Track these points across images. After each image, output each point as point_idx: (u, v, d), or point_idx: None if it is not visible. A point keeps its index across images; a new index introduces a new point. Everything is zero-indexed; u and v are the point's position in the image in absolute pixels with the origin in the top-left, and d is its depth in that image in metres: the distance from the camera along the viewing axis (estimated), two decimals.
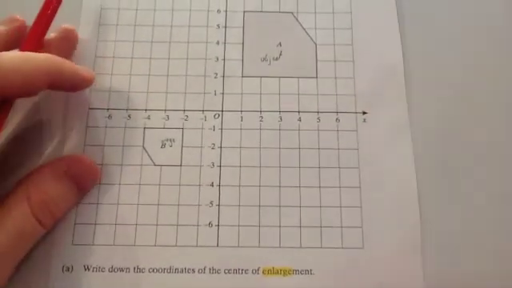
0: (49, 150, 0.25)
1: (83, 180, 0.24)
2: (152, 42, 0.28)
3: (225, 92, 0.27)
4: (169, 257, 0.24)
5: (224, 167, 0.25)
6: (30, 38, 0.23)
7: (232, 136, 0.26)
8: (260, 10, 0.29)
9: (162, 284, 0.23)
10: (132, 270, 0.23)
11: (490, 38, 0.28)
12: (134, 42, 0.28)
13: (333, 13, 0.29)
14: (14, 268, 0.21)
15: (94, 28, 0.28)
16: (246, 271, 0.24)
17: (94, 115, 0.26)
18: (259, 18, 0.29)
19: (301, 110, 0.26)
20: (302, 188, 0.25)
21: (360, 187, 0.25)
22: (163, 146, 0.26)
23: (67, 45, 0.26)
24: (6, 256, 0.21)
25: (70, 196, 0.23)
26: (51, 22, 0.24)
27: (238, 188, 0.25)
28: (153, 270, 0.23)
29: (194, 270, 0.23)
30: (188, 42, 0.28)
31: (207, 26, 0.28)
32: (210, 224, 0.24)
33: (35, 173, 0.23)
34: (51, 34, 0.25)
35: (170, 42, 0.28)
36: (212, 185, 0.25)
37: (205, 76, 0.27)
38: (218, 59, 0.28)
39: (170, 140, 0.26)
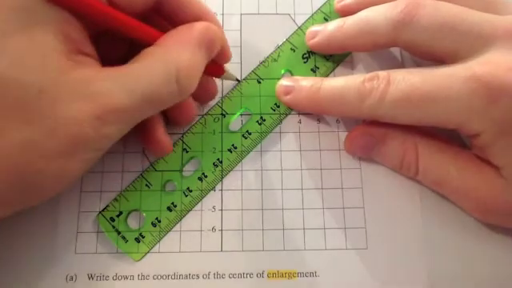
0: None
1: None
2: None
3: (224, 96, 0.27)
4: (173, 263, 0.24)
5: (226, 171, 0.25)
6: None
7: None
8: (257, 12, 0.29)
9: None
10: (136, 277, 0.23)
11: None
12: None
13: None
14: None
15: None
16: (251, 275, 0.23)
17: None
18: (256, 20, 0.29)
19: (301, 111, 0.26)
20: (304, 190, 0.25)
21: (362, 188, 0.25)
22: None
23: None
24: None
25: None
26: None
27: (240, 192, 0.25)
28: (157, 277, 0.23)
29: (198, 276, 0.23)
30: None
31: None
32: (213, 229, 0.24)
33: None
34: None
35: None
36: (214, 189, 0.25)
37: None
38: None
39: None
